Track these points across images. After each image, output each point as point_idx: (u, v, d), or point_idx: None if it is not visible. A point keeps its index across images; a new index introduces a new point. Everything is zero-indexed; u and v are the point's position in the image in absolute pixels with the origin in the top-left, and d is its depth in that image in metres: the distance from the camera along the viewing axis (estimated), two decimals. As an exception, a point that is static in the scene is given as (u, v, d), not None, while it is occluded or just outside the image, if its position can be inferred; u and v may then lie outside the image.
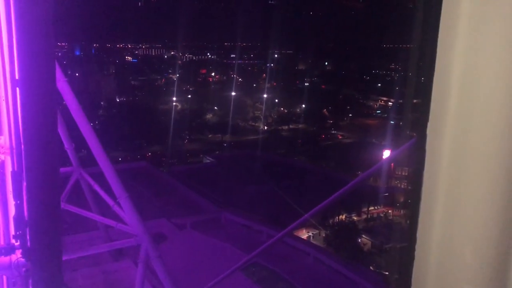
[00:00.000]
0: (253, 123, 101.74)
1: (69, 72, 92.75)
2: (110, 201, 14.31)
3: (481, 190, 1.33)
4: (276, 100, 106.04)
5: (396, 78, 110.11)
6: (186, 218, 30.33)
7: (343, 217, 52.30)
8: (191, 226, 29.48)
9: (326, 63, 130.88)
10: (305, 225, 44.80)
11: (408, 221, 1.53)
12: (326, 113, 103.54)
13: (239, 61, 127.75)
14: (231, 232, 30.09)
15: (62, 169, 16.07)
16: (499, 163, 1.30)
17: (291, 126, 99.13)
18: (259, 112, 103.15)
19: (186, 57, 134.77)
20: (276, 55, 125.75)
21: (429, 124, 1.42)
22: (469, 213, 1.36)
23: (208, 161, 63.21)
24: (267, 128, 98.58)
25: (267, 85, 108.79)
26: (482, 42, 1.27)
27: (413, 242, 1.48)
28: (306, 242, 34.94)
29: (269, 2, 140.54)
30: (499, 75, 1.26)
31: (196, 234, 28.33)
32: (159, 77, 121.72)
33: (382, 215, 56.66)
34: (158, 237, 25.12)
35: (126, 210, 13.34)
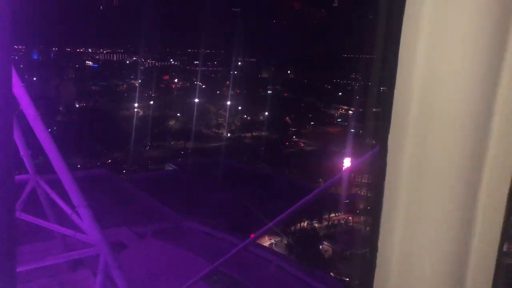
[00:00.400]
0: (216, 130, 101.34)
1: (26, 77, 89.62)
2: (68, 210, 13.88)
3: (441, 200, 1.37)
4: (240, 108, 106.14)
5: (356, 88, 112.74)
6: (147, 226, 29.74)
7: (305, 224, 52.75)
8: (152, 235, 28.92)
9: (289, 72, 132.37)
10: (267, 232, 44.78)
11: (369, 230, 1.56)
12: (289, 121, 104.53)
13: (202, 68, 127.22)
14: (194, 240, 29.73)
15: (17, 177, 15.47)
16: (459, 174, 1.34)
17: (254, 134, 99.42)
18: (222, 119, 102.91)
19: (148, 62, 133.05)
20: (239, 63, 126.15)
21: (390, 134, 1.45)
22: (429, 223, 1.40)
23: (171, 168, 62.44)
24: (230, 135, 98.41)
25: (230, 92, 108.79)
26: (443, 52, 1.31)
27: (375, 250, 1.51)
28: (269, 249, 35.01)
29: (233, 9, 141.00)
30: (459, 85, 1.31)
31: (158, 243, 27.81)
32: (120, 82, 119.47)
33: (342, 222, 57.54)
34: (118, 246, 24.52)
35: (84, 218, 12.97)
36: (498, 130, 1.31)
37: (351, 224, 57.27)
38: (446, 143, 1.34)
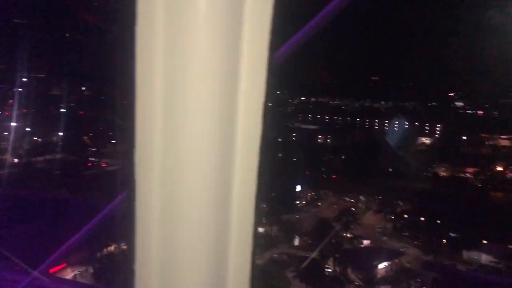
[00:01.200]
0: None
1: None
2: None
3: (194, 218, 1.40)
4: (28, 129, 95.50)
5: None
6: None
7: (113, 248, 50.37)
8: None
9: (84, 88, 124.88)
10: (70, 263, 41.31)
11: (127, 244, 1.52)
12: (87, 140, 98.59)
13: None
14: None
15: None
16: (209, 183, 1.40)
17: (47, 157, 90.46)
18: (6, 143, 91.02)
19: None
20: (25, 79, 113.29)
21: (137, 148, 1.43)
22: (186, 232, 1.43)
23: None
24: (17, 161, 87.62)
25: (15, 112, 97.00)
26: (180, 65, 1.34)
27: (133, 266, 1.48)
28: (72, 282, 32.21)
29: (16, 21, 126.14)
30: (200, 93, 1.35)
31: None
32: None
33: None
34: None
35: None
36: (241, 142, 1.41)
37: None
38: (193, 153, 1.38)
